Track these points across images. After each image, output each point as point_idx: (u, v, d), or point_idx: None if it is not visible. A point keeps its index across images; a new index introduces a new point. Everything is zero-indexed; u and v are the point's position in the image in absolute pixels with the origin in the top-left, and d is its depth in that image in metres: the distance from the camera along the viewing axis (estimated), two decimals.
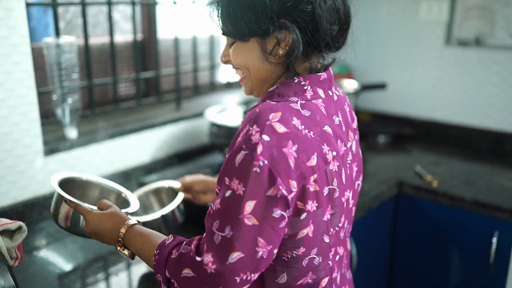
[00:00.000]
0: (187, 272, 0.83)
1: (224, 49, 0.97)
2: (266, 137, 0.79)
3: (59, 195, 1.14)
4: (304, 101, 0.88)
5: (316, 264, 0.92)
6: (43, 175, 1.59)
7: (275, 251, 0.84)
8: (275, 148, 0.79)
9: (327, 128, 0.89)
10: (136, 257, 1.01)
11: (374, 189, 1.85)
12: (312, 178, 0.84)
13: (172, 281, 0.86)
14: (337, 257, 0.99)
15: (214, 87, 2.38)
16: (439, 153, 2.29)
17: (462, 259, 1.90)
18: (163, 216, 1.29)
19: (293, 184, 0.81)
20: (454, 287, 1.94)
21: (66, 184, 1.23)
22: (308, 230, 0.87)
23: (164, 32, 2.16)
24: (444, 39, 2.38)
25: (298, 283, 0.92)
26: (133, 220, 1.03)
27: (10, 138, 1.48)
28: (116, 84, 1.91)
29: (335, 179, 0.89)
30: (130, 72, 2.11)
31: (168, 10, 2.10)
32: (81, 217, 1.13)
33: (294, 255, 0.89)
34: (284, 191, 0.80)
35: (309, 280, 0.93)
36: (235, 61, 0.93)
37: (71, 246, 1.46)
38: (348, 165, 0.95)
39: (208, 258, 0.80)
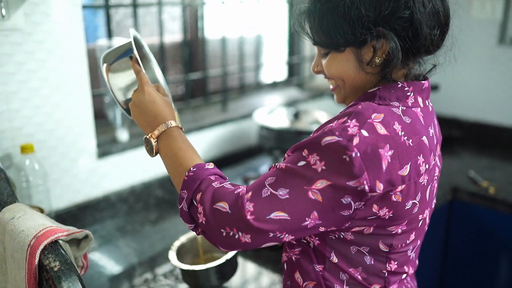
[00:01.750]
0: (222, 205, 0.79)
1: (316, 58, 0.94)
2: (365, 133, 0.76)
3: (129, 49, 0.99)
4: (405, 108, 0.85)
5: (367, 263, 0.88)
6: (95, 178, 1.59)
7: (322, 229, 0.80)
8: (371, 145, 0.76)
9: (424, 138, 0.85)
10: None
11: None
12: (399, 188, 0.80)
13: (196, 204, 0.82)
14: (403, 276, 0.95)
15: (259, 87, 2.35)
16: (491, 157, 2.21)
17: None
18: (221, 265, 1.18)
19: (379, 186, 0.77)
20: None
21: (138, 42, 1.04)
22: (365, 230, 0.84)
23: (211, 32, 2.14)
24: (498, 39, 2.29)
25: (350, 269, 0.89)
26: (175, 122, 0.94)
27: (65, 141, 1.48)
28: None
29: (419, 194, 0.85)
30: (176, 72, 2.09)
31: (215, 9, 2.07)
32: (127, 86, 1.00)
33: (342, 236, 0.86)
34: (366, 187, 0.76)
35: (359, 277, 0.89)
36: (330, 72, 0.90)
37: (124, 249, 1.46)
38: (433, 181, 0.91)
39: (249, 206, 0.77)
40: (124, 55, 0.99)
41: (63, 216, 1.50)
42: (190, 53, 2.12)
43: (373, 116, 0.79)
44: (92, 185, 1.59)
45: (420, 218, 0.89)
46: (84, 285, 0.90)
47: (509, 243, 1.83)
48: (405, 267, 0.94)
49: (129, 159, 1.68)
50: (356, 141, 0.75)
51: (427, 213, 0.92)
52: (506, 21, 2.28)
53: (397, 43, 0.81)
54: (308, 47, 2.48)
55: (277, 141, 1.84)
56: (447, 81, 2.46)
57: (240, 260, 1.37)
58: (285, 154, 0.85)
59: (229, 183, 0.84)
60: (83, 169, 1.55)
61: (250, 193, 0.79)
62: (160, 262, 1.39)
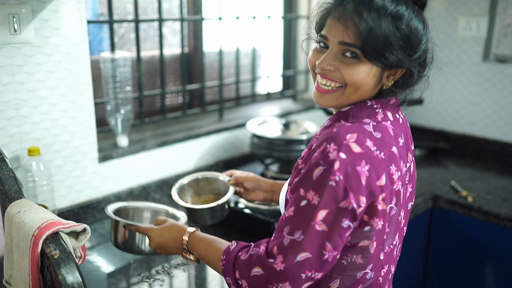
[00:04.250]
0: (256, 270, 0.92)
1: (328, 57, 0.96)
2: (343, 155, 0.88)
3: (117, 221, 1.27)
4: (375, 123, 0.96)
5: (368, 278, 0.99)
6: (97, 180, 1.72)
7: (338, 256, 0.92)
8: (350, 165, 0.87)
9: (394, 149, 0.96)
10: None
11: None
12: (380, 197, 0.91)
13: (240, 282, 0.95)
14: (390, 275, 1.06)
15: (254, 98, 2.47)
16: (474, 168, 2.32)
17: (495, 274, 1.93)
18: (213, 207, 1.40)
19: (363, 200, 0.89)
20: None
21: (119, 212, 1.36)
22: (370, 245, 0.95)
23: (208, 45, 2.27)
24: (482, 55, 2.40)
25: None
26: (192, 228, 1.13)
27: (70, 145, 1.61)
28: (164, 95, 2.03)
29: (394, 198, 0.95)
30: (175, 83, 2.22)
31: (213, 24, 2.20)
32: (138, 236, 1.26)
33: (352, 260, 0.96)
34: (354, 205, 0.88)
35: None
36: (352, 77, 0.94)
37: None
38: (405, 186, 1.01)
39: (279, 258, 0.90)
40: (118, 227, 1.27)
41: (65, 215, 1.62)
42: (189, 65, 2.25)
43: (347, 137, 0.90)
44: (94, 187, 1.71)
45: (399, 220, 1.01)
46: (81, 272, 1.01)
47: (484, 248, 1.93)
48: (391, 267, 1.06)
49: (128, 164, 1.81)
50: (337, 165, 0.87)
51: (402, 215, 1.02)
52: (490, 39, 2.40)
53: (417, 73, 0.97)
54: (303, 61, 2.60)
55: (268, 149, 1.96)
56: (435, 95, 2.58)
57: None
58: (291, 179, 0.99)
59: (253, 248, 0.96)
60: (85, 172, 1.67)
61: (275, 248, 0.91)
62: (156, 259, 1.50)
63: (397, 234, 1.02)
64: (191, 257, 1.11)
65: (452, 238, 2.01)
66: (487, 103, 2.43)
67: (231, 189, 1.45)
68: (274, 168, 2.04)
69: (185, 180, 1.52)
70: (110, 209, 1.33)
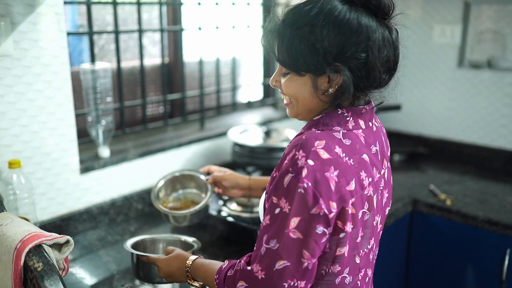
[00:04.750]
0: (241, 284, 0.94)
1: (275, 74, 1.03)
2: (311, 162, 0.89)
3: (132, 254, 1.31)
4: (345, 131, 0.97)
5: (347, 283, 1.00)
6: (78, 192, 1.71)
7: (317, 263, 0.93)
8: (318, 172, 0.89)
9: (365, 156, 0.97)
10: None
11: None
12: (350, 201, 0.92)
13: None
14: (367, 279, 1.08)
15: (235, 107, 2.49)
16: (452, 172, 2.37)
17: (475, 276, 1.97)
18: (195, 211, 1.51)
19: (333, 205, 0.90)
20: None
21: (138, 245, 1.41)
22: (345, 250, 0.96)
23: (189, 55, 2.29)
24: (457, 62, 2.47)
25: None
26: (194, 256, 1.17)
27: (51, 157, 1.60)
28: (145, 105, 2.03)
29: (366, 203, 0.97)
30: (156, 93, 2.23)
31: (193, 34, 2.22)
32: (153, 267, 1.28)
33: (330, 271, 0.97)
34: (325, 210, 0.89)
35: None
36: (287, 90, 1.01)
37: (105, 258, 1.57)
38: (380, 191, 1.03)
39: (256, 267, 0.92)
40: (136, 259, 1.31)
41: (47, 227, 1.60)
42: (169, 75, 2.26)
43: (316, 143, 0.91)
44: (75, 199, 1.70)
45: (374, 224, 1.02)
46: (65, 284, 1.01)
47: (463, 251, 1.97)
48: (368, 270, 1.07)
49: (110, 174, 1.80)
50: (304, 172, 0.88)
51: (377, 220, 1.04)
52: (464, 46, 2.46)
53: (350, 79, 0.93)
54: None
55: (249, 157, 1.98)
56: (412, 101, 2.63)
57: None
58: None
59: (238, 263, 0.99)
60: (66, 184, 1.67)
61: (253, 256, 0.94)
62: None
63: (373, 239, 1.04)
64: (196, 283, 1.15)
65: (432, 240, 2.05)
66: (462, 108, 2.49)
67: (210, 189, 1.54)
68: (256, 176, 2.06)
69: (160, 183, 1.63)
70: (129, 243, 1.37)
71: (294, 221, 0.89)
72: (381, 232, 1.10)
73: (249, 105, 2.57)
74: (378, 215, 1.04)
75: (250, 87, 2.56)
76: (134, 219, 1.86)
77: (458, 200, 2.02)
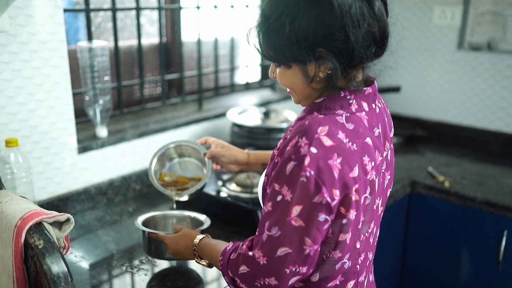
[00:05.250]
0: (243, 268, 0.95)
1: (272, 66, 1.02)
2: (313, 150, 0.87)
3: (144, 231, 1.32)
4: (349, 114, 0.94)
5: (346, 268, 1.00)
6: (76, 172, 1.69)
7: (319, 249, 0.93)
8: (321, 160, 0.87)
9: (368, 140, 0.95)
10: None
11: None
12: (354, 188, 0.91)
13: (236, 279, 0.98)
14: (367, 262, 1.07)
15: (233, 88, 2.47)
16: (450, 154, 2.37)
17: (472, 257, 1.98)
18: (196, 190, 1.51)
19: (336, 193, 0.89)
20: (464, 284, 2.02)
21: (148, 222, 1.41)
22: (347, 237, 0.95)
23: (187, 35, 2.25)
24: (457, 44, 2.45)
25: (328, 284, 1.00)
26: (201, 235, 1.18)
27: (48, 136, 1.58)
28: (143, 85, 2.01)
29: (368, 188, 0.96)
30: (154, 73, 2.20)
31: (191, 14, 2.19)
32: (162, 243, 1.29)
33: (331, 256, 0.96)
34: (328, 199, 0.88)
35: (337, 282, 1.01)
36: (281, 82, 1.00)
37: (104, 238, 1.56)
38: (381, 174, 1.02)
39: (258, 253, 0.92)
40: (146, 236, 1.33)
41: (45, 207, 1.57)
42: (167, 55, 2.23)
43: (319, 130, 0.89)
44: (73, 178, 1.69)
45: (374, 208, 1.01)
46: (66, 262, 1.00)
47: (460, 231, 1.98)
48: (369, 253, 1.07)
49: (108, 155, 1.79)
50: (307, 160, 0.86)
51: (377, 202, 1.03)
52: (464, 28, 2.44)
53: (335, 62, 0.90)
54: None
55: (248, 138, 1.97)
56: (411, 83, 2.62)
57: None
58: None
59: (240, 246, 0.99)
60: (64, 163, 1.65)
61: (255, 242, 0.94)
62: (138, 249, 1.49)
63: (373, 222, 1.03)
64: (203, 262, 1.16)
65: (430, 222, 2.06)
66: (461, 91, 2.48)
67: (208, 165, 1.54)
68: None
69: (155, 158, 1.59)
70: (140, 220, 1.38)
71: (296, 209, 0.88)
72: (382, 214, 1.09)
73: (247, 86, 2.54)
74: (379, 198, 1.03)
75: (248, 68, 2.54)
76: (132, 199, 1.85)
77: (456, 182, 2.02)
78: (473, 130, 2.46)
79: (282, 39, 0.91)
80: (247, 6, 2.34)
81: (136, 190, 1.87)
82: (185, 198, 1.54)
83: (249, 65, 2.52)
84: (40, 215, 1.03)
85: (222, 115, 2.17)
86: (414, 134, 2.53)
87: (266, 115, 2.07)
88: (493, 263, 1.91)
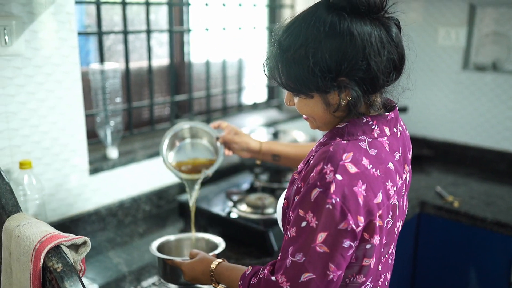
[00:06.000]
0: None
1: (288, 93, 1.02)
2: (339, 177, 0.87)
3: (159, 258, 1.32)
4: (371, 140, 0.95)
5: None
6: (87, 193, 1.69)
7: (342, 274, 0.92)
8: (346, 187, 0.87)
9: (390, 165, 0.96)
10: None
11: None
12: (378, 214, 0.91)
13: None
14: (386, 283, 1.07)
15: (241, 109, 2.48)
16: (457, 174, 2.37)
17: (482, 277, 1.97)
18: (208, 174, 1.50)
19: (361, 219, 0.89)
20: None
21: (163, 246, 1.41)
22: (371, 262, 0.95)
23: (195, 56, 2.28)
24: (462, 64, 2.47)
25: None
26: (218, 260, 1.17)
27: (60, 158, 1.59)
28: (152, 106, 2.02)
29: (391, 212, 0.96)
30: (162, 94, 2.22)
31: (199, 36, 2.21)
32: (178, 269, 1.28)
33: (354, 280, 0.96)
34: (353, 225, 0.88)
35: None
36: (301, 111, 1.00)
37: (115, 259, 1.56)
38: (402, 197, 1.02)
39: (282, 278, 0.91)
40: (161, 262, 1.33)
41: (56, 228, 1.58)
42: (176, 76, 2.25)
43: (343, 156, 0.89)
44: (84, 200, 1.69)
45: (395, 230, 1.02)
46: (84, 285, 1.00)
47: (470, 252, 1.97)
48: (387, 274, 1.07)
49: (119, 176, 1.79)
50: (333, 188, 0.87)
51: (398, 224, 1.03)
52: (469, 48, 2.47)
53: (358, 90, 0.91)
54: None
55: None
56: (417, 103, 2.64)
57: None
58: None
59: (261, 271, 0.98)
60: (75, 185, 1.65)
61: (279, 268, 0.93)
62: (150, 271, 1.49)
63: (393, 244, 1.04)
64: (220, 287, 1.15)
65: (440, 243, 2.05)
66: (467, 111, 2.50)
67: (221, 151, 1.53)
68: (264, 177, 2.05)
69: (167, 139, 1.54)
70: (154, 245, 1.37)
71: (321, 236, 0.88)
72: (398, 234, 1.10)
73: (254, 107, 2.56)
74: (399, 220, 1.03)
75: (255, 89, 2.56)
76: (142, 220, 1.85)
77: (464, 202, 2.02)
78: (479, 150, 2.47)
79: (304, 70, 0.91)
80: (254, 27, 2.37)
81: (146, 211, 1.87)
82: (198, 181, 1.50)
83: (256, 85, 2.54)
84: (58, 238, 1.03)
85: None
86: (421, 153, 2.54)
87: (275, 135, 2.08)
88: (504, 284, 1.90)
